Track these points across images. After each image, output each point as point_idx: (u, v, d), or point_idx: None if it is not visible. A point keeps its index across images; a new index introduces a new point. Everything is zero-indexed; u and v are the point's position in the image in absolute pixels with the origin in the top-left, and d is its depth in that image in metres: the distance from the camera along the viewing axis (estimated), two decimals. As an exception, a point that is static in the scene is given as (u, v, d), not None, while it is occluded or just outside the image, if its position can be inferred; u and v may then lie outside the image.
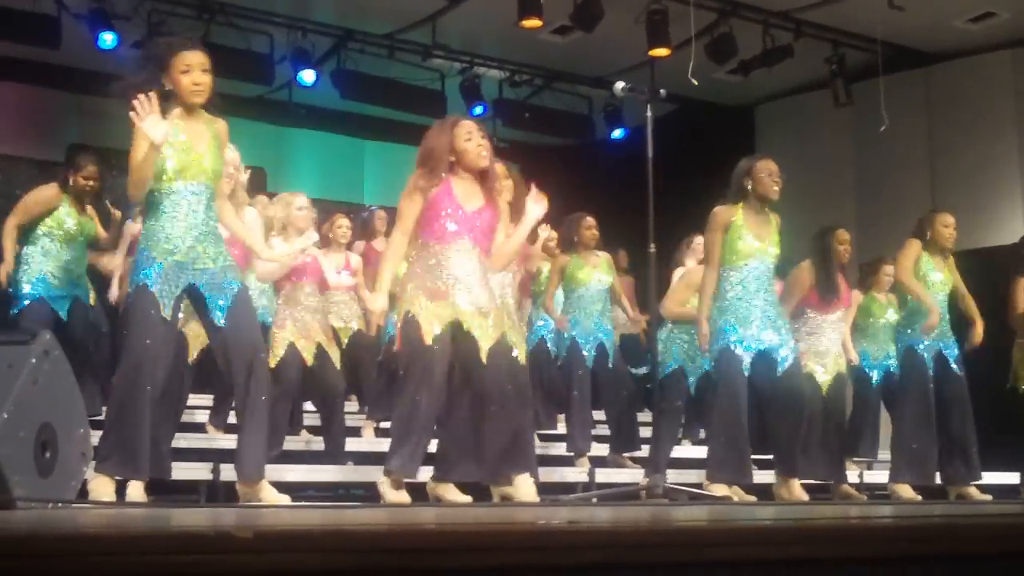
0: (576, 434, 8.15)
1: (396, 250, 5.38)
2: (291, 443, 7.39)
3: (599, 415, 8.63)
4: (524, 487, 5.28)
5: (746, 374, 6.36)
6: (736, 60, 11.30)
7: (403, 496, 5.24)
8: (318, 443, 7.40)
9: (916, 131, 11.84)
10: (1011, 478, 8.16)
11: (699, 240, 7.67)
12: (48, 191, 7.25)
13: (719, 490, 6.28)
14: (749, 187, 6.49)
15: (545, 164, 13.43)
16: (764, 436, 7.45)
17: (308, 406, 8.08)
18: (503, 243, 5.45)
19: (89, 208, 7.43)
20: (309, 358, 6.97)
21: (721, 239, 6.47)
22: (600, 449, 8.36)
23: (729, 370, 6.36)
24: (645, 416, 8.59)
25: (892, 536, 2.48)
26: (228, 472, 5.46)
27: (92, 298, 7.57)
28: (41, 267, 7.18)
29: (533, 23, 10.41)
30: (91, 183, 7.30)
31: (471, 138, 5.30)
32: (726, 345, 6.37)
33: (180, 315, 5.09)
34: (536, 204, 5.37)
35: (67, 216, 7.23)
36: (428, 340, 5.16)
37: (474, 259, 5.30)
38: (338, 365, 7.20)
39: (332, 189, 13.05)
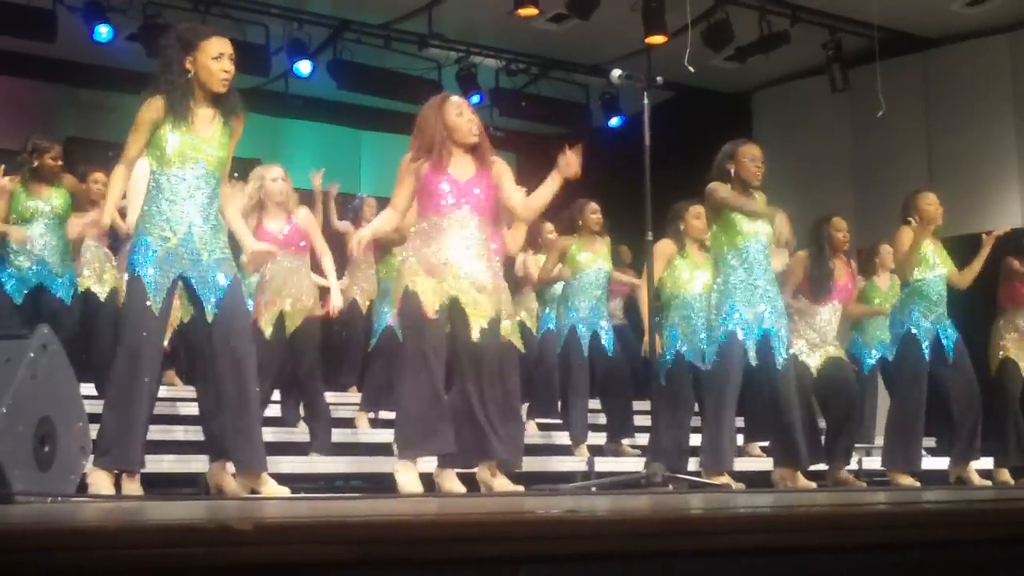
0: (575, 422, 8.16)
1: (385, 218, 5.50)
2: (285, 435, 7.37)
3: (596, 403, 8.64)
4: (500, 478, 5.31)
5: (752, 363, 6.37)
6: (733, 47, 11.29)
7: (416, 481, 5.19)
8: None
9: (913, 116, 11.83)
10: (986, 463, 8.12)
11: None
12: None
13: (718, 479, 6.29)
14: (732, 171, 6.49)
15: (542, 153, 13.34)
16: (760, 424, 7.47)
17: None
18: (531, 198, 5.43)
19: (65, 184, 7.35)
20: (266, 332, 6.67)
21: (714, 213, 6.51)
22: (598, 438, 8.38)
23: (730, 356, 6.38)
24: (643, 404, 8.59)
25: (890, 523, 2.48)
26: (227, 464, 5.45)
27: (78, 287, 7.48)
28: (4, 250, 7.13)
29: (529, 11, 10.40)
30: (60, 163, 7.27)
31: (462, 113, 5.34)
32: (733, 330, 6.38)
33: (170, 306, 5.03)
34: (566, 164, 5.33)
35: (25, 198, 7.16)
36: (431, 314, 5.17)
37: (473, 229, 5.30)
38: (307, 337, 6.92)
39: (329, 180, 13.01)
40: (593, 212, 8.22)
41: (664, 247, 7.35)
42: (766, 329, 6.40)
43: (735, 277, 6.45)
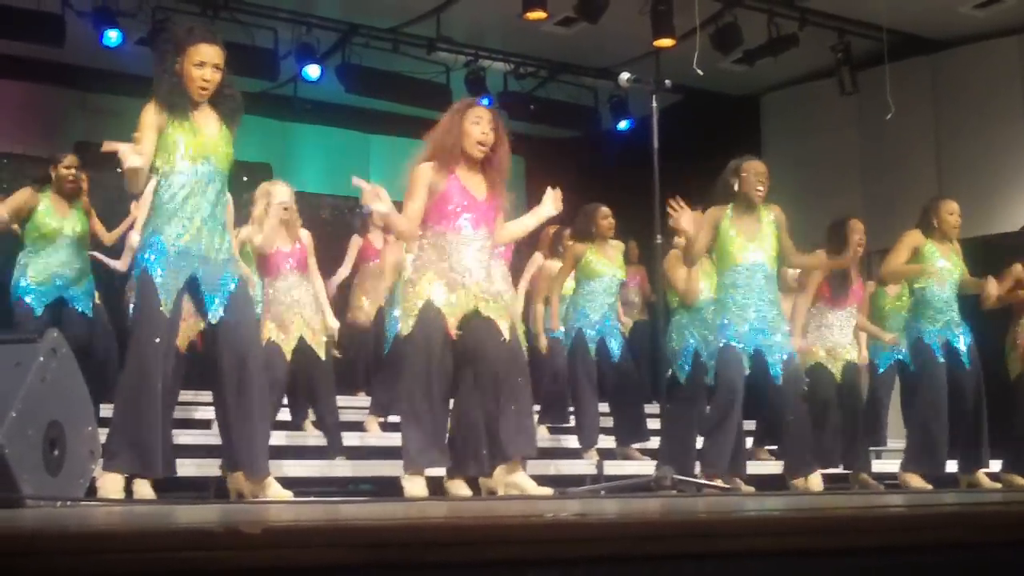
0: (584, 428, 8.15)
1: (401, 222, 5.34)
2: (297, 439, 7.38)
3: (605, 407, 8.64)
4: (527, 479, 5.29)
5: (745, 372, 6.35)
6: (741, 50, 11.28)
7: (423, 489, 5.22)
8: (320, 438, 7.37)
9: (922, 119, 11.80)
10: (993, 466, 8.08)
11: None
12: (22, 194, 7.25)
13: (716, 482, 6.27)
14: (736, 187, 6.47)
15: (551, 156, 13.45)
16: (767, 431, 7.47)
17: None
18: (508, 226, 5.54)
19: (82, 204, 7.39)
20: (288, 353, 6.80)
21: (707, 236, 6.47)
22: (607, 441, 8.37)
23: (728, 366, 6.35)
24: (652, 408, 8.59)
25: (901, 525, 2.47)
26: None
27: (95, 297, 7.50)
28: (26, 267, 7.18)
29: (537, 15, 10.40)
30: (72, 172, 7.25)
31: (478, 122, 5.33)
32: (726, 342, 6.36)
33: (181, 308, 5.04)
34: (552, 202, 5.41)
35: (47, 216, 7.19)
36: (452, 333, 5.19)
37: (485, 242, 5.33)
38: (323, 356, 7.03)
39: (338, 184, 13.04)
40: (604, 217, 8.19)
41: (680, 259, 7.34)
42: (758, 346, 6.37)
43: (727, 296, 6.45)
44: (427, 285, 5.23)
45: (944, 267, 7.35)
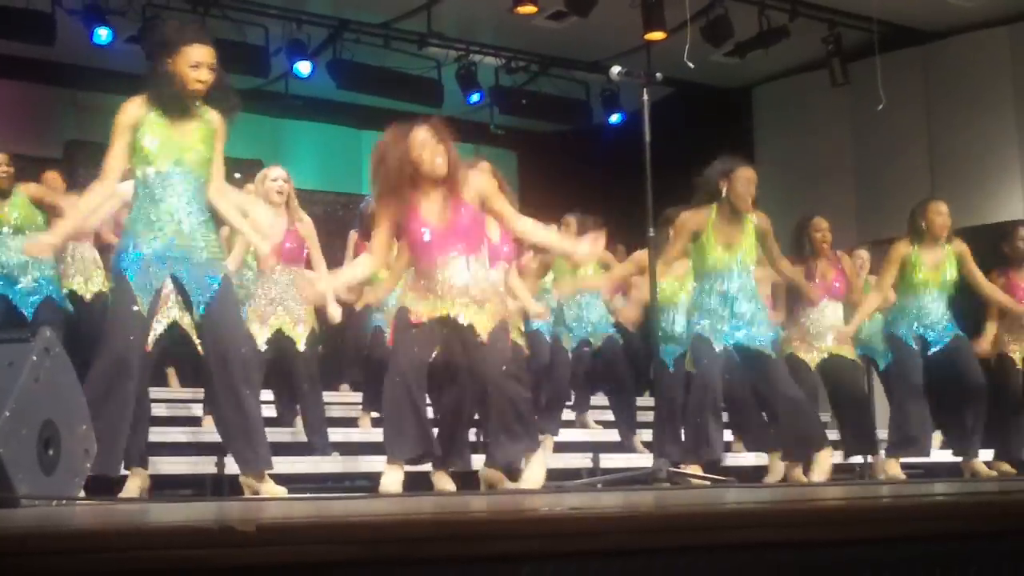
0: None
1: (362, 264, 5.38)
2: (288, 435, 7.36)
3: (597, 400, 8.66)
4: (532, 467, 5.24)
5: (718, 358, 6.33)
6: (732, 42, 11.27)
7: (397, 484, 5.17)
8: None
9: (914, 110, 11.80)
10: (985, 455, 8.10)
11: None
12: None
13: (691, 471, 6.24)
14: (724, 190, 6.39)
15: (543, 150, 13.45)
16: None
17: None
18: (532, 228, 5.37)
19: (18, 199, 7.33)
20: (261, 345, 6.60)
21: (683, 243, 6.42)
22: (604, 435, 8.39)
23: (701, 356, 6.35)
24: (646, 401, 8.61)
25: (896, 516, 2.48)
26: (232, 466, 5.47)
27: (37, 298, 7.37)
28: None
29: (528, 9, 10.41)
30: (2, 169, 7.25)
31: (425, 146, 5.07)
32: (699, 333, 6.35)
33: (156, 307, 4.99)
34: (588, 246, 5.33)
35: None
36: (414, 319, 5.14)
37: (463, 263, 5.19)
38: (301, 347, 6.84)
39: (330, 180, 13.04)
40: (596, 225, 8.24)
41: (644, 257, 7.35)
42: (737, 341, 6.36)
43: (704, 303, 6.42)
44: (402, 298, 5.29)
45: (922, 279, 7.25)
